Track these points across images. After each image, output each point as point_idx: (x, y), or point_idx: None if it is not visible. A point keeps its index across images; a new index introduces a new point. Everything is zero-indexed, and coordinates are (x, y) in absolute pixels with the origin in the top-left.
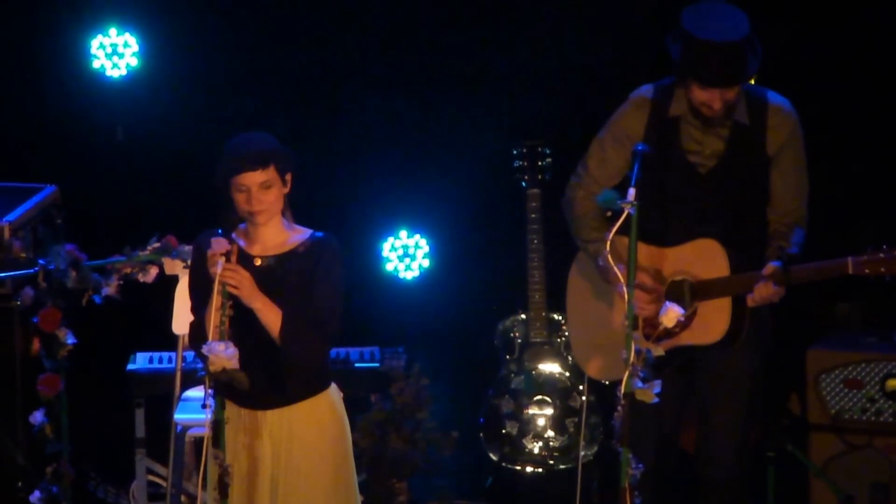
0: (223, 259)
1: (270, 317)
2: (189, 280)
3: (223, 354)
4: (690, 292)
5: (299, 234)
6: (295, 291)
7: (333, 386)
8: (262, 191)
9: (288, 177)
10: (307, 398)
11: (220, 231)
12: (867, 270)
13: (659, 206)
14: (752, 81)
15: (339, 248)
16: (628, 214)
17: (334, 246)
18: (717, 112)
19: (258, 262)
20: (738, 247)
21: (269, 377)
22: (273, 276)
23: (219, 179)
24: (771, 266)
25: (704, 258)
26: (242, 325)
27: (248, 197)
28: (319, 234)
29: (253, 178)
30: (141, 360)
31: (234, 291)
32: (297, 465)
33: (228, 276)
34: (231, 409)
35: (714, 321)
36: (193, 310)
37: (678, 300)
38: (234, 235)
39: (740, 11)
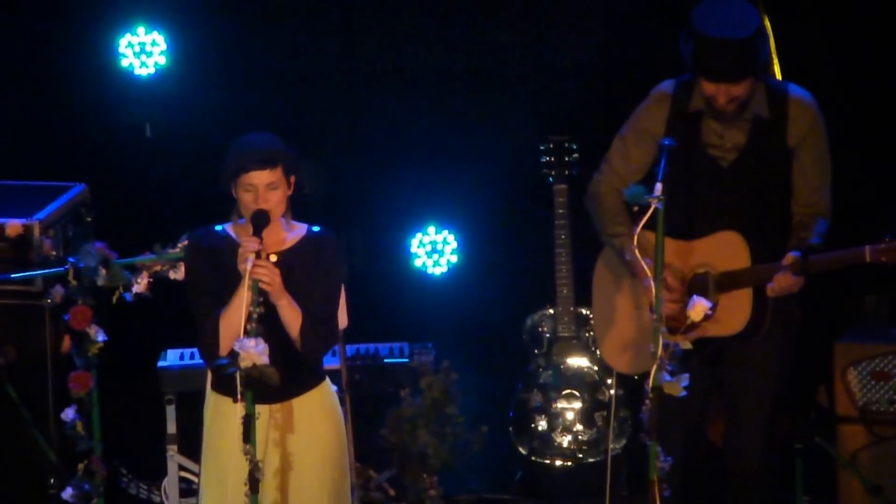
0: (253, 256)
1: (292, 314)
2: (192, 282)
3: (254, 350)
4: (713, 284)
5: (297, 230)
6: (299, 287)
7: (327, 379)
8: (268, 191)
9: (292, 179)
10: (304, 392)
11: (219, 227)
12: (884, 258)
13: (681, 199)
14: (779, 76)
15: (337, 241)
16: (654, 209)
17: (332, 240)
18: (724, 106)
19: (273, 259)
20: (760, 239)
21: (280, 371)
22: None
23: (225, 177)
24: (790, 256)
25: (726, 250)
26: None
27: (255, 196)
28: (316, 228)
29: (261, 178)
30: (171, 357)
31: (268, 288)
32: (304, 453)
33: (262, 272)
34: (227, 407)
35: (736, 312)
36: (204, 314)
37: (701, 292)
38: (229, 231)
39: (751, 7)
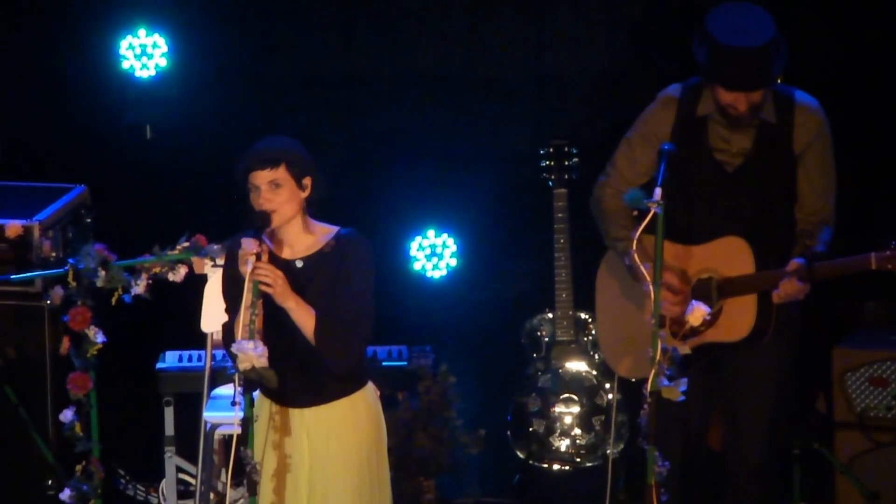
0: (254, 258)
1: (304, 316)
2: (222, 282)
3: (252, 353)
4: (717, 290)
5: (326, 234)
6: (326, 291)
7: (370, 384)
8: (270, 189)
9: (306, 181)
10: (344, 396)
11: (252, 232)
12: (890, 266)
13: (686, 204)
14: (779, 80)
15: (367, 243)
16: (654, 214)
17: (362, 242)
18: (743, 113)
19: (299, 265)
20: (764, 245)
21: (304, 376)
22: (304, 277)
23: (238, 180)
24: (795, 262)
25: (730, 256)
26: (276, 324)
27: (257, 195)
28: (345, 230)
29: (262, 177)
30: (170, 359)
31: (268, 290)
32: (334, 463)
33: (262, 274)
34: (263, 408)
35: (740, 318)
36: (227, 312)
37: (704, 298)
38: (263, 237)
39: (765, 13)
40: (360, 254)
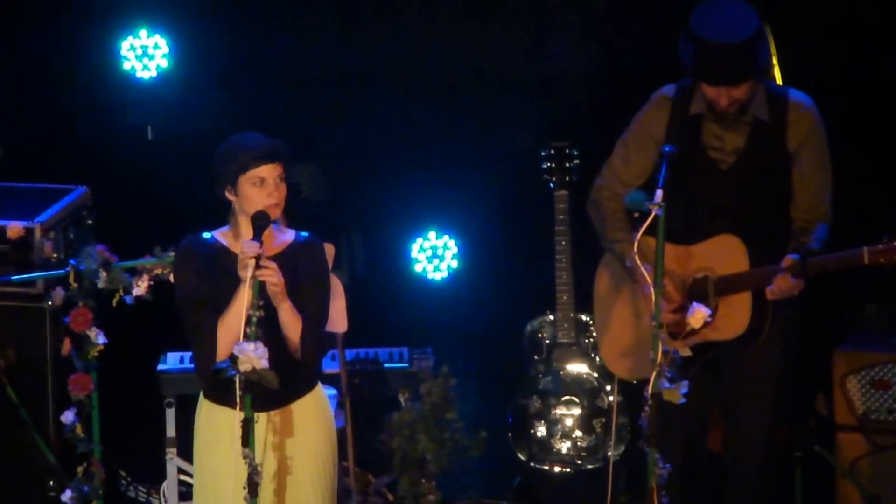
0: (254, 261)
1: (293, 318)
2: (185, 290)
3: (254, 354)
4: (713, 289)
5: (286, 235)
6: (289, 292)
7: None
8: (276, 183)
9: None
10: (307, 393)
11: (207, 235)
12: (882, 260)
13: (681, 203)
14: (780, 81)
15: (324, 247)
16: (655, 215)
17: (319, 246)
18: (726, 108)
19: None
20: (758, 242)
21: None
22: None
23: (228, 175)
24: (789, 258)
25: (725, 254)
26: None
27: (268, 190)
28: (304, 234)
29: (271, 171)
30: (171, 360)
31: (276, 290)
32: (300, 458)
33: (269, 274)
34: (221, 420)
35: (736, 316)
36: (199, 321)
37: (701, 297)
38: (218, 237)
39: (750, 9)
40: (323, 258)
